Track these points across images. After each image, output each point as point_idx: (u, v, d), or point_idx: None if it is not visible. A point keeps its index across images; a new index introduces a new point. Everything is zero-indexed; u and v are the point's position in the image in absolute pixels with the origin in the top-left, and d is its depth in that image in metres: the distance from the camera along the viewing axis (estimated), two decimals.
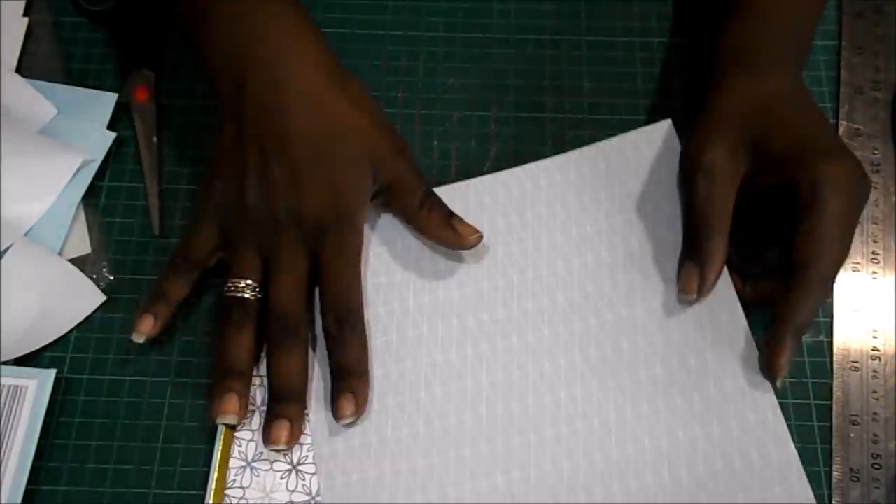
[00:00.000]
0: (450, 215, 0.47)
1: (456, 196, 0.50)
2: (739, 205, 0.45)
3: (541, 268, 0.48)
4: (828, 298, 0.45)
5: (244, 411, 0.44)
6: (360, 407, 0.44)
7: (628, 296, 0.47)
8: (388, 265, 0.48)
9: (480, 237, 0.47)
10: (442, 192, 0.49)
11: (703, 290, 0.45)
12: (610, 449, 0.44)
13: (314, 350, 0.46)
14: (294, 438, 0.44)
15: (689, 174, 0.46)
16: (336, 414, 0.44)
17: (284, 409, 0.44)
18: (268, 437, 0.44)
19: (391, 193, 0.48)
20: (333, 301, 0.45)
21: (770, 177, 0.45)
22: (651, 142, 0.50)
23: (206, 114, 0.53)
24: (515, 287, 0.48)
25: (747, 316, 0.46)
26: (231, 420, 0.44)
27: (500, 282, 0.48)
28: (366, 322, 0.46)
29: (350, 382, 0.44)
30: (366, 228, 0.48)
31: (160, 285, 0.46)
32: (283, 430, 0.44)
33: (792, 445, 0.43)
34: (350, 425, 0.44)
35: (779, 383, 0.44)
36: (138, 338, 0.45)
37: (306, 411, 0.45)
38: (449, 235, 0.47)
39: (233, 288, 0.45)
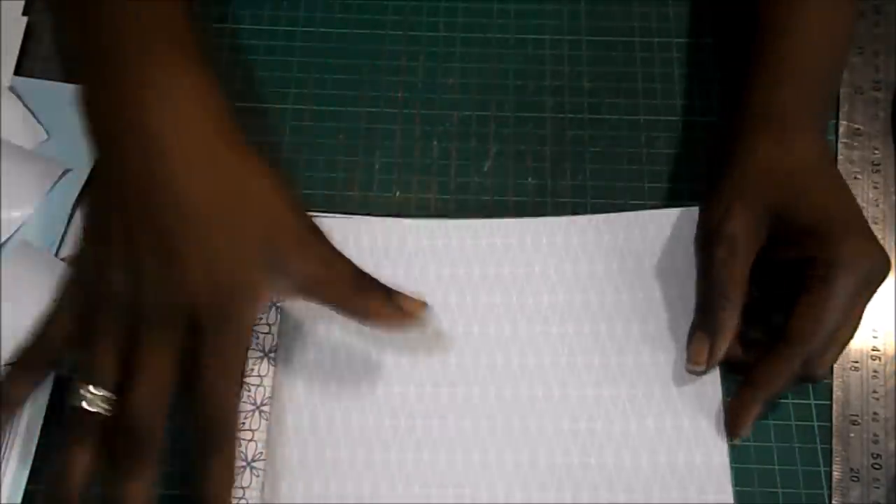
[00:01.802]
0: (389, 293, 0.41)
1: (467, 233, 0.49)
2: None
3: (535, 327, 0.47)
4: (818, 381, 0.45)
5: None
6: None
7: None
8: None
9: (427, 310, 0.41)
10: (450, 225, 0.49)
11: (711, 361, 0.44)
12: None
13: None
14: None
15: (709, 241, 0.45)
16: None
17: None
18: None
19: (318, 285, 0.41)
20: (203, 414, 0.38)
21: (788, 250, 0.44)
22: (676, 223, 0.49)
23: None
24: (506, 338, 0.47)
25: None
26: None
27: (490, 329, 0.47)
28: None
29: None
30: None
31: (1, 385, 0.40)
32: None
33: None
34: None
35: (737, 441, 0.44)
36: None
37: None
38: (394, 316, 0.41)
39: (81, 396, 0.38)
